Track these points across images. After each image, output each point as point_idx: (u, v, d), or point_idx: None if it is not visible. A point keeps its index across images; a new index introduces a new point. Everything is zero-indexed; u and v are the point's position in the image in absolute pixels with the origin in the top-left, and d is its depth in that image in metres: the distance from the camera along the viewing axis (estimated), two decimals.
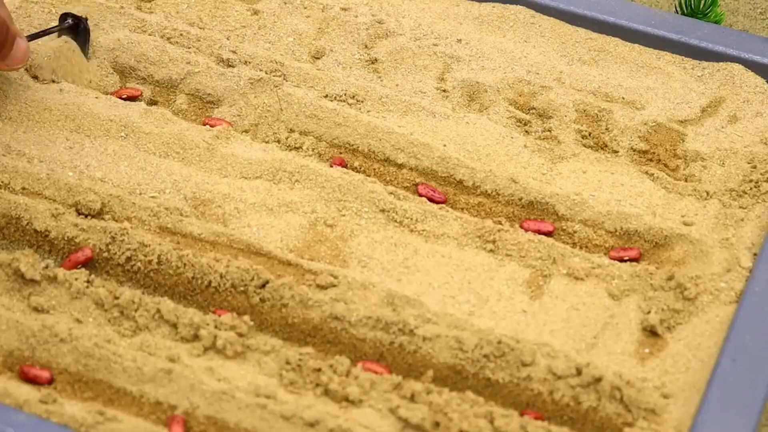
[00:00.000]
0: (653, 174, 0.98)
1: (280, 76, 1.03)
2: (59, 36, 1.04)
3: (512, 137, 1.00)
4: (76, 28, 1.04)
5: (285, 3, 1.11)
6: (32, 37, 1.00)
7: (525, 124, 1.02)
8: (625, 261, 0.92)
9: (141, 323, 0.86)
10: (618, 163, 0.99)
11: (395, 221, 0.94)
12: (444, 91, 1.04)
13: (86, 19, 1.04)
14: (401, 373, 0.85)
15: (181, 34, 1.06)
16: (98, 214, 0.93)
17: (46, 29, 1.02)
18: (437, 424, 0.81)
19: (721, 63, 1.07)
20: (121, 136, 0.99)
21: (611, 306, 0.89)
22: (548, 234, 0.94)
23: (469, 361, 0.84)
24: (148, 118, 1.00)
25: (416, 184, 0.97)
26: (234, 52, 1.05)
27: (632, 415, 0.82)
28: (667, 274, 0.90)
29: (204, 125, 1.00)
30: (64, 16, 1.04)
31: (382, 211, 0.94)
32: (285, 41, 1.07)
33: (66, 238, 0.91)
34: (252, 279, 0.88)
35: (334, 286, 0.88)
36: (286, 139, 1.00)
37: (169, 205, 0.93)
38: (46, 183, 0.94)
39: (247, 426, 0.81)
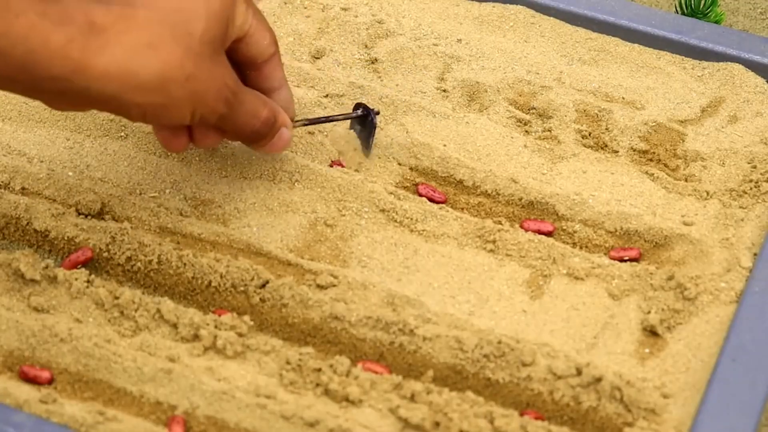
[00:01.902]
0: (653, 174, 0.98)
1: None
2: (351, 124, 0.99)
3: (512, 137, 1.00)
4: (364, 119, 0.98)
5: (285, 3, 1.11)
6: (314, 122, 0.97)
7: (525, 124, 1.02)
8: (625, 261, 0.92)
9: (141, 323, 0.86)
10: (618, 163, 0.99)
11: (395, 221, 0.94)
12: (444, 91, 1.04)
13: (377, 113, 0.98)
14: (401, 373, 0.85)
15: None
16: (98, 214, 0.93)
17: (330, 116, 0.98)
18: (437, 424, 0.81)
19: (721, 63, 1.07)
20: (121, 136, 0.99)
21: (611, 306, 0.89)
22: (548, 234, 0.94)
23: (469, 361, 0.84)
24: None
25: (416, 184, 0.97)
26: None
27: (632, 415, 0.82)
28: (667, 274, 0.90)
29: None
30: (357, 106, 0.98)
31: (382, 211, 0.94)
32: (285, 41, 1.07)
33: (66, 238, 0.91)
34: (252, 279, 0.88)
35: (334, 286, 0.88)
36: None
37: (169, 205, 0.93)
38: (46, 183, 0.94)
39: (247, 426, 0.81)
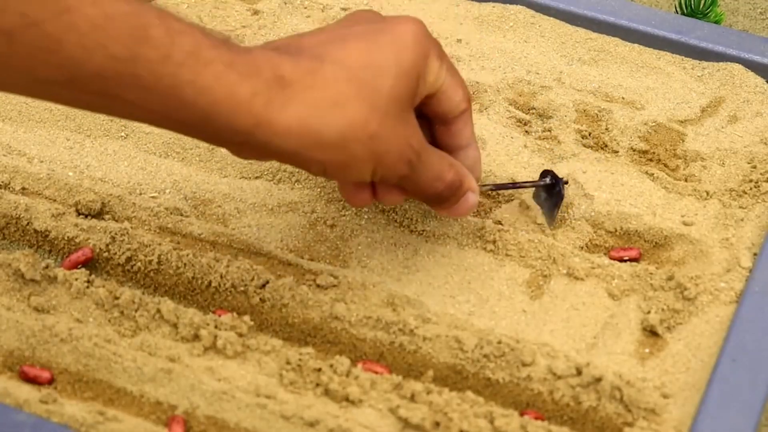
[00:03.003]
0: (653, 174, 0.98)
1: None
2: (535, 191, 0.95)
3: (512, 137, 1.00)
4: (551, 188, 0.93)
5: (285, 3, 1.11)
6: (501, 187, 0.93)
7: (525, 124, 1.02)
8: (625, 261, 0.92)
9: (141, 323, 0.86)
10: (618, 163, 0.99)
11: (395, 221, 0.94)
12: None
13: (566, 183, 0.93)
14: (401, 373, 0.85)
15: None
16: (98, 214, 0.93)
17: (518, 183, 0.93)
18: (437, 424, 0.81)
19: (721, 63, 1.07)
20: (121, 136, 0.99)
21: (611, 306, 0.89)
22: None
23: (469, 361, 0.84)
24: None
25: None
26: None
27: (632, 415, 0.82)
28: (667, 274, 0.90)
29: None
30: (545, 173, 0.94)
31: (382, 211, 0.94)
32: None
33: (66, 238, 0.91)
34: (252, 279, 0.88)
35: (335, 286, 0.88)
36: None
37: (169, 205, 0.93)
38: (46, 183, 0.94)
39: (247, 426, 0.81)
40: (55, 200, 0.94)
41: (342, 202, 0.94)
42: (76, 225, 0.91)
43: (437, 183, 0.84)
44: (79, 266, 0.90)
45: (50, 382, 0.83)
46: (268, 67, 0.75)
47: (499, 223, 0.93)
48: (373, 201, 0.85)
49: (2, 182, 0.95)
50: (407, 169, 0.81)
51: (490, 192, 0.95)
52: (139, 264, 0.90)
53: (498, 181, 0.96)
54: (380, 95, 0.77)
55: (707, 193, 0.97)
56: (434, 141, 0.86)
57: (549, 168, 0.97)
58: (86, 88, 0.71)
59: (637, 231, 0.94)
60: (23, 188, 0.94)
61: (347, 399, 0.82)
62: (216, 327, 0.86)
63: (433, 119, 0.85)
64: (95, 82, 0.71)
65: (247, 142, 0.76)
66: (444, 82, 0.82)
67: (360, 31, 0.80)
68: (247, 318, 0.86)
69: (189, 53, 0.72)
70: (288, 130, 0.75)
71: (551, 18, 1.11)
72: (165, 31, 0.71)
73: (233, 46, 0.75)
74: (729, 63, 1.07)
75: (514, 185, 0.94)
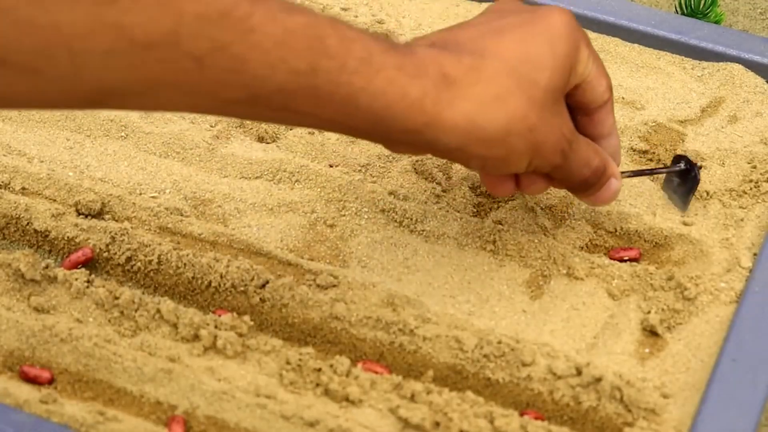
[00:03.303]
0: None
1: None
2: (665, 178, 0.96)
3: None
4: (686, 174, 0.94)
5: None
6: (636, 174, 0.94)
7: None
8: (625, 261, 0.92)
9: (141, 323, 0.86)
10: None
11: (395, 221, 0.94)
12: None
13: (700, 168, 0.94)
14: (401, 373, 0.85)
15: None
16: (98, 214, 0.93)
17: (653, 169, 0.94)
18: (437, 424, 0.81)
19: (721, 63, 1.07)
20: (121, 136, 0.99)
21: (611, 306, 0.89)
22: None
23: (469, 361, 0.84)
24: (148, 118, 1.00)
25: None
26: None
27: (632, 415, 0.82)
28: (667, 274, 0.90)
29: None
30: (677, 158, 0.95)
31: (382, 211, 0.94)
32: None
33: (66, 238, 0.91)
34: (252, 279, 0.88)
35: (334, 286, 0.88)
36: (287, 138, 1.00)
37: (169, 205, 0.93)
38: (46, 183, 0.94)
39: (247, 426, 0.81)
40: (55, 200, 0.94)
41: (342, 202, 0.94)
42: (76, 225, 0.91)
43: (584, 169, 0.85)
44: (79, 266, 0.90)
45: (50, 382, 0.83)
46: (433, 66, 0.75)
47: (499, 223, 0.94)
48: (516, 191, 0.86)
49: (2, 182, 0.95)
50: (561, 158, 0.82)
51: (629, 177, 0.94)
52: (139, 264, 0.90)
53: None
54: (538, 88, 0.78)
55: (707, 193, 0.97)
56: (576, 129, 0.86)
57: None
58: (268, 104, 0.71)
59: (637, 231, 0.94)
60: (23, 188, 0.94)
61: (347, 399, 0.82)
62: (216, 327, 0.86)
63: (576, 109, 0.86)
64: (277, 98, 0.71)
65: (414, 141, 0.77)
66: (590, 72, 0.83)
67: (513, 22, 0.80)
68: (247, 318, 0.86)
69: (362, 60, 0.72)
70: (454, 126, 0.76)
71: None
72: (339, 41, 0.72)
73: (399, 48, 0.75)
74: (729, 63, 1.07)
75: (652, 171, 0.95)
